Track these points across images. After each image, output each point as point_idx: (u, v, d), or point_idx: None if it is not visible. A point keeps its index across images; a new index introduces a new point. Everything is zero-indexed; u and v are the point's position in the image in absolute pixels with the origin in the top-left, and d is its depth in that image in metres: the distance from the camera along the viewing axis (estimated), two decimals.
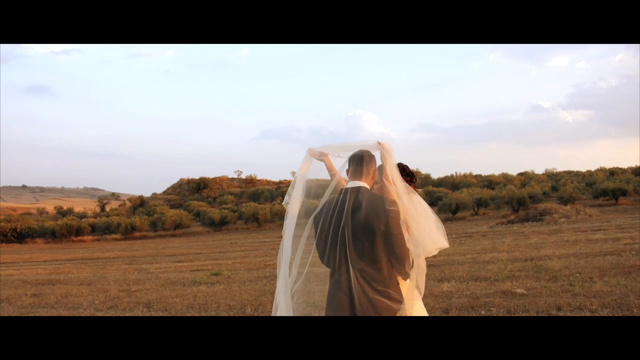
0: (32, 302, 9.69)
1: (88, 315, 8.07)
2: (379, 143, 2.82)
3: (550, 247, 12.77)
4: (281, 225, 2.99)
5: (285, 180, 61.37)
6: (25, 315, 8.35)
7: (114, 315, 8.02)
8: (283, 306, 2.79)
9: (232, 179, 66.55)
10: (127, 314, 8.00)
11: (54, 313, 8.43)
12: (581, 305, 6.38)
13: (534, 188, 35.61)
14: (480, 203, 33.52)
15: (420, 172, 59.03)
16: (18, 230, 39.23)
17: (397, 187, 2.75)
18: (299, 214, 2.92)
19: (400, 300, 2.67)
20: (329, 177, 3.06)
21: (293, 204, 2.94)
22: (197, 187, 62.76)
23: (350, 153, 2.89)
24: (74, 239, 39.14)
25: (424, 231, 2.79)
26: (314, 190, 2.98)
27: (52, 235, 39.50)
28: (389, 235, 2.62)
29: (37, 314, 8.39)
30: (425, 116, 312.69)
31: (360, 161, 2.78)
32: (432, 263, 11.32)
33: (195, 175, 66.47)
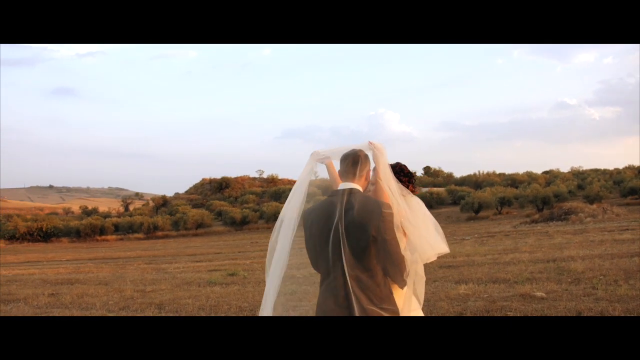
0: (47, 301, 9.75)
1: (99, 315, 8.06)
2: (370, 143, 2.66)
3: (574, 248, 12.38)
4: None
5: None
6: (38, 315, 8.39)
7: (125, 315, 7.98)
8: (265, 309, 2.67)
9: (254, 179, 67.01)
10: (138, 315, 7.96)
11: (66, 313, 8.45)
12: (603, 310, 6.06)
13: (559, 187, 34.99)
14: (504, 202, 33.01)
15: (442, 171, 58.51)
16: (44, 229, 40.18)
17: (391, 189, 2.57)
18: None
19: (395, 312, 2.50)
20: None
21: (287, 207, 2.80)
22: (219, 187, 63.30)
23: None
24: (98, 238, 39.90)
25: (421, 235, 2.61)
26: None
27: (77, 234, 40.36)
28: (383, 240, 2.44)
29: (49, 314, 8.42)
30: (447, 114, 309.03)
31: (351, 162, 2.62)
32: (451, 264, 11.08)
33: (217, 175, 67.19)
